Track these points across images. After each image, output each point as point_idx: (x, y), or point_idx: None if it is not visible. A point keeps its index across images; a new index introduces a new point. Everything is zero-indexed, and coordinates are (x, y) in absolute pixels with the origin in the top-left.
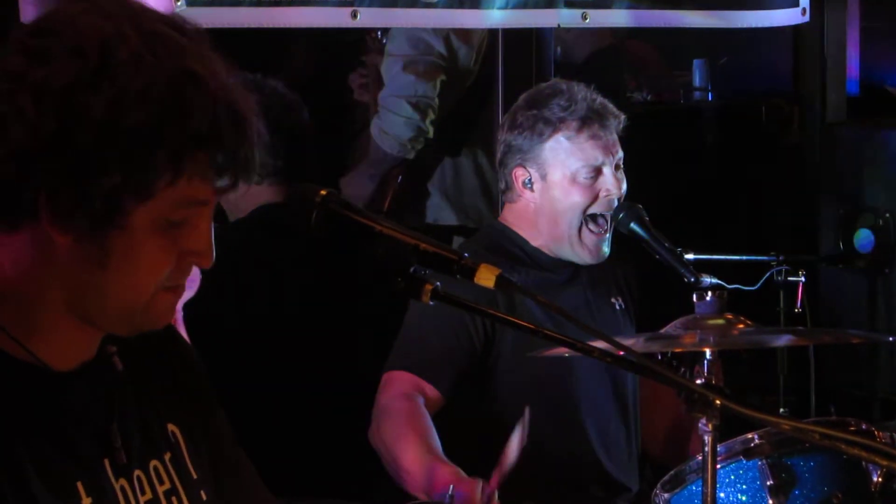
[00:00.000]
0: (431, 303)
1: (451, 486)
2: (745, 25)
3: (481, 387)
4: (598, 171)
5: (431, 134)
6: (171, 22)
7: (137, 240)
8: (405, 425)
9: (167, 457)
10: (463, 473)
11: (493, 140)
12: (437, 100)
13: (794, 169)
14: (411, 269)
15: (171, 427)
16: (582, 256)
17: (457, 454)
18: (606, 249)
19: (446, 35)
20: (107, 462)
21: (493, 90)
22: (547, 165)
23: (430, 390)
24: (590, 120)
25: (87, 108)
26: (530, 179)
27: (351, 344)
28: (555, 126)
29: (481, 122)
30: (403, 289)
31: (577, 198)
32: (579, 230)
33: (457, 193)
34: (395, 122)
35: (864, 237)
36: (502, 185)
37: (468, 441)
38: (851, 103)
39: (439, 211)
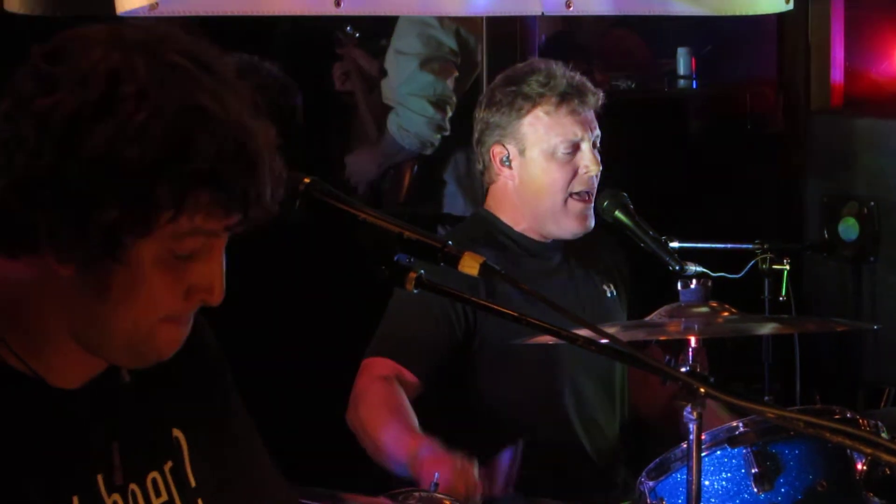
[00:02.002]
0: (416, 291)
1: (436, 475)
2: (729, 13)
3: (464, 375)
4: (576, 147)
5: (448, 130)
6: (192, 52)
7: (140, 274)
8: (382, 406)
9: (167, 467)
10: (440, 447)
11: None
12: (454, 97)
13: (778, 157)
14: (395, 257)
15: (175, 432)
16: (568, 228)
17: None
18: (591, 220)
19: (456, 30)
20: (100, 478)
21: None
22: (525, 141)
23: (409, 376)
24: (569, 95)
25: (86, 141)
26: (508, 157)
27: (335, 331)
28: (534, 101)
29: None
30: (387, 276)
31: (556, 174)
32: (564, 204)
33: (470, 182)
34: (416, 122)
35: (848, 225)
36: (480, 166)
37: (451, 429)
38: (836, 92)
39: (455, 200)
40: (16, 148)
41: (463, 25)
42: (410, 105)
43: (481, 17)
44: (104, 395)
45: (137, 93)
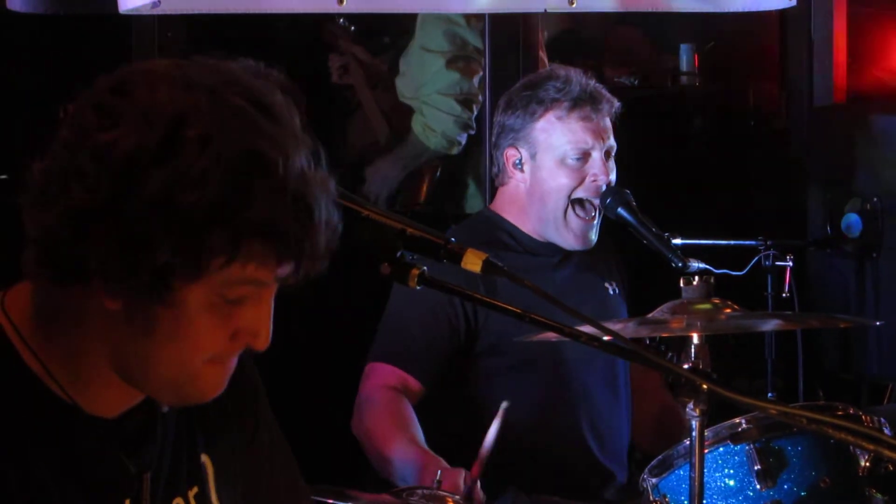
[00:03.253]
0: (419, 287)
1: (439, 473)
2: (732, 10)
3: (466, 372)
4: (586, 155)
5: (474, 128)
6: (253, 94)
7: (187, 316)
8: (389, 417)
9: (192, 493)
10: (446, 464)
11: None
12: (479, 95)
13: (781, 153)
14: (398, 254)
15: (203, 458)
16: (568, 241)
17: (443, 439)
18: (594, 237)
19: (482, 28)
20: (127, 502)
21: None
22: (537, 145)
23: (413, 383)
24: (582, 101)
25: (144, 182)
26: (521, 160)
27: (337, 327)
28: (547, 105)
29: None
30: (390, 273)
31: (563, 179)
32: (565, 213)
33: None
34: (443, 120)
35: (851, 221)
36: (495, 169)
37: (453, 426)
38: (839, 88)
39: (476, 201)
40: (72, 178)
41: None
42: (437, 104)
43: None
44: (140, 426)
45: (200, 137)
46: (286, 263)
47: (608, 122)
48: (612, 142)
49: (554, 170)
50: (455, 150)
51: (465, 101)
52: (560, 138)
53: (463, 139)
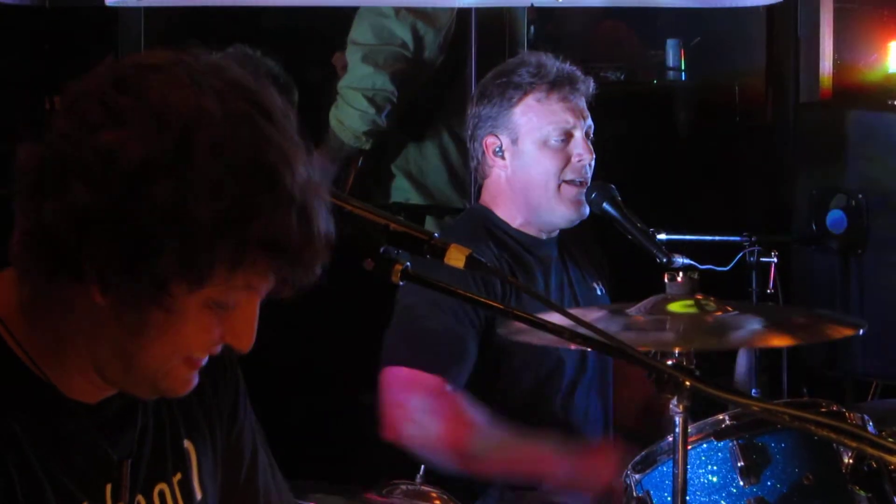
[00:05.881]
0: (401, 283)
1: (423, 468)
2: (718, 5)
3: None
4: (568, 135)
5: (386, 126)
6: (255, 97)
7: (180, 318)
8: (470, 424)
9: (176, 479)
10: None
11: (460, 122)
12: (396, 91)
13: (767, 149)
14: (381, 250)
15: (186, 443)
16: (563, 214)
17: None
18: (586, 209)
19: (412, 22)
20: (108, 487)
21: (461, 72)
22: (518, 129)
23: (452, 385)
24: (560, 83)
25: (154, 189)
26: (501, 147)
27: (324, 324)
28: (524, 90)
29: (447, 103)
30: (373, 269)
31: (548, 163)
32: (557, 191)
33: (421, 175)
34: (350, 115)
35: (836, 218)
36: (474, 163)
37: None
38: (825, 84)
39: (403, 192)
40: (74, 174)
41: (421, 19)
42: (347, 97)
43: (447, 10)
44: (123, 410)
45: (212, 146)
46: (285, 275)
47: (584, 103)
48: (590, 121)
49: (536, 153)
50: (365, 146)
51: (375, 98)
52: (542, 120)
53: (370, 135)
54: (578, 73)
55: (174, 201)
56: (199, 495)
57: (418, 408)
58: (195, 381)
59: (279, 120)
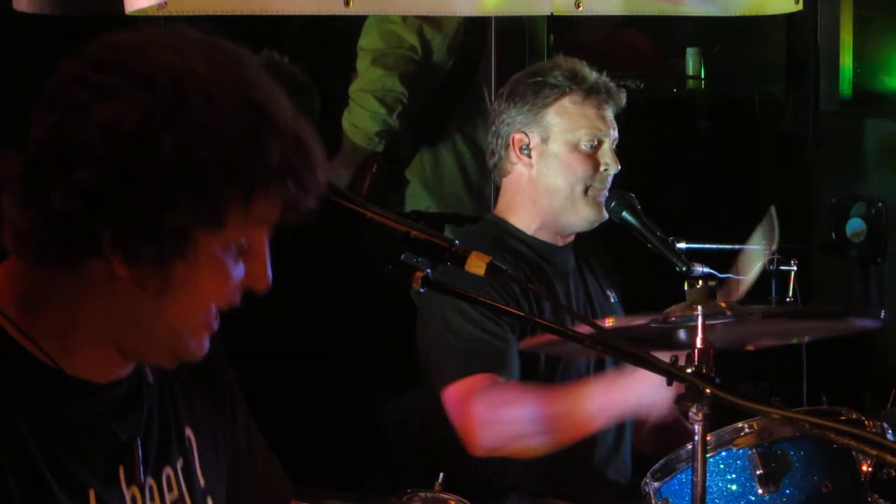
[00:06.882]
0: (422, 290)
1: (441, 475)
2: (738, 14)
3: None
4: (599, 143)
5: (398, 126)
6: (229, 52)
7: (201, 266)
8: (528, 395)
9: (179, 464)
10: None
11: (475, 128)
12: (406, 93)
13: (787, 158)
14: (402, 257)
15: (187, 431)
16: (585, 215)
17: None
18: (605, 212)
19: (419, 27)
20: (121, 469)
21: (474, 79)
22: (550, 129)
23: (505, 377)
24: (597, 90)
25: (158, 145)
26: (528, 145)
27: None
28: (562, 90)
29: (461, 110)
30: (394, 276)
31: (577, 166)
32: (584, 193)
33: (436, 182)
34: (362, 116)
35: (856, 226)
36: (494, 158)
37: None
38: (844, 92)
39: (419, 199)
40: (77, 157)
41: (428, 24)
42: (359, 100)
43: (452, 18)
44: (130, 393)
45: (204, 94)
46: (293, 201)
47: (613, 114)
48: (616, 134)
49: (566, 155)
50: (378, 148)
51: (385, 99)
52: (575, 123)
53: (382, 137)
54: (612, 84)
55: (177, 152)
56: (201, 482)
57: (482, 409)
58: (207, 345)
59: (257, 67)
